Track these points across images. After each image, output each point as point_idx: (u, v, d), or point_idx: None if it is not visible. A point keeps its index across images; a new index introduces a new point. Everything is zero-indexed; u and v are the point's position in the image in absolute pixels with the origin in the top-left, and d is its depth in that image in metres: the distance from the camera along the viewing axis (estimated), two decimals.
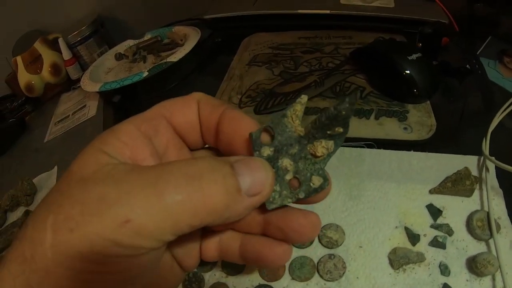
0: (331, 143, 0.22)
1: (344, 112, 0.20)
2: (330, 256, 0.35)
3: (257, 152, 0.22)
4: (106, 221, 0.17)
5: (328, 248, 0.36)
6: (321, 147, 0.21)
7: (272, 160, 0.22)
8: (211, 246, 0.26)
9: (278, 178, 0.22)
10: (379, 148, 0.43)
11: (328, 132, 0.21)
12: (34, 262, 0.17)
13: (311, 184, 0.21)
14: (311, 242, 0.37)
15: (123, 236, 0.17)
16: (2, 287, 0.18)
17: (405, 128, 0.44)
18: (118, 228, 0.17)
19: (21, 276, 0.17)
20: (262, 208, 0.22)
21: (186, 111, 0.23)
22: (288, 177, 0.22)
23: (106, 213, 0.17)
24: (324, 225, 0.37)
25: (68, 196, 0.18)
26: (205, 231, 0.26)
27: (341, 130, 0.21)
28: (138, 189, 0.18)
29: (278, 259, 0.23)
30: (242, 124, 0.22)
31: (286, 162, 0.21)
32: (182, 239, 0.24)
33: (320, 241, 0.37)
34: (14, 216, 0.51)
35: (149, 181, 0.18)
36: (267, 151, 0.22)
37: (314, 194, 0.22)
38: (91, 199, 0.18)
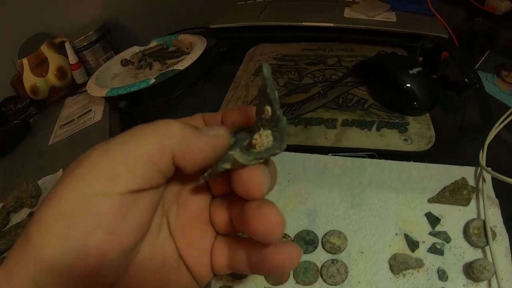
0: (267, 133, 0.23)
1: (260, 83, 0.23)
2: (333, 261, 0.36)
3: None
4: (89, 167, 0.21)
5: (331, 253, 0.37)
6: (259, 137, 0.24)
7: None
8: (223, 254, 0.26)
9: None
10: (380, 158, 0.44)
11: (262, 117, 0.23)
12: (34, 220, 0.20)
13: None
14: (315, 247, 0.38)
15: (102, 166, 0.20)
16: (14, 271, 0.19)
17: (405, 140, 0.46)
18: (99, 159, 0.21)
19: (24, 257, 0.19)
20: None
21: (193, 122, 0.27)
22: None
23: (92, 164, 0.21)
24: (328, 232, 0.38)
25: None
26: (217, 240, 0.27)
27: (269, 109, 0.23)
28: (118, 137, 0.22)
29: (286, 261, 0.23)
30: None
31: (235, 154, 0.23)
32: (192, 238, 0.26)
33: (323, 246, 0.38)
34: (18, 217, 0.51)
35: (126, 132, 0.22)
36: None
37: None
38: (83, 160, 0.21)
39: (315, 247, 0.38)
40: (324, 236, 0.38)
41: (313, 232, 0.39)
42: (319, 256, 0.37)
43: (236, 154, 0.23)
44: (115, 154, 0.21)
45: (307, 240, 0.38)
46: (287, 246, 0.23)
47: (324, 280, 0.36)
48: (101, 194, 0.20)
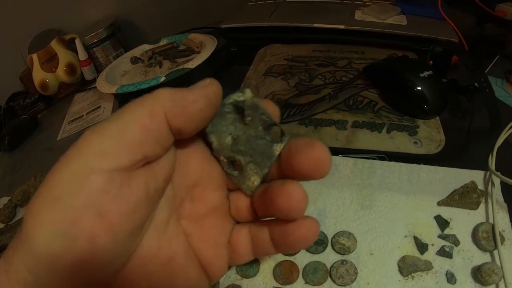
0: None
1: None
2: (343, 262, 0.36)
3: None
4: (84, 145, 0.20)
5: (341, 254, 0.38)
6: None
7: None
8: (244, 240, 0.27)
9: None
10: (390, 160, 0.44)
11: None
12: (29, 206, 0.19)
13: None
14: (324, 248, 0.38)
15: (93, 141, 0.20)
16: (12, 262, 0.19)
17: (415, 142, 0.46)
18: (90, 135, 0.20)
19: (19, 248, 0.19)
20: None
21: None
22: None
23: (85, 144, 0.20)
24: (337, 232, 0.39)
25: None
26: (236, 229, 0.27)
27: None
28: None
29: (307, 233, 0.24)
30: None
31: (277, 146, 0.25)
32: (207, 232, 0.26)
33: (333, 247, 0.38)
34: (24, 211, 0.51)
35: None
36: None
37: None
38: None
39: (325, 248, 0.38)
40: (333, 237, 0.38)
41: (322, 233, 0.39)
42: (329, 257, 0.38)
43: (278, 146, 0.25)
44: (105, 128, 0.20)
45: (316, 241, 0.38)
46: (307, 219, 0.24)
47: (333, 281, 0.36)
48: (90, 171, 0.19)
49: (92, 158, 0.19)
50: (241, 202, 0.27)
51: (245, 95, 0.25)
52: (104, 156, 0.19)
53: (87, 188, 0.19)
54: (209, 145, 0.26)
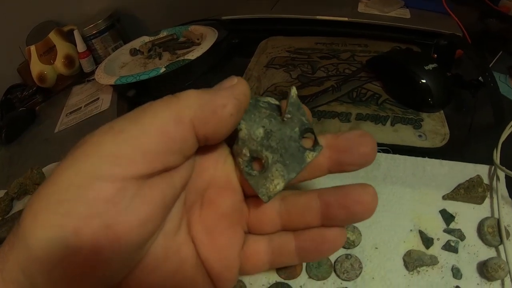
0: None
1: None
2: (347, 256, 0.36)
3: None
4: (100, 141, 0.19)
5: (345, 248, 0.37)
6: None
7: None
8: (261, 251, 0.26)
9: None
10: (394, 153, 0.44)
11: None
12: (27, 205, 0.18)
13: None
14: None
15: (115, 145, 0.18)
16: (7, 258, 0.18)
17: (419, 136, 0.46)
18: (112, 138, 0.19)
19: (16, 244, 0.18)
20: (317, 196, 0.24)
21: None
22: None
23: (101, 130, 0.19)
24: None
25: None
26: (251, 239, 0.26)
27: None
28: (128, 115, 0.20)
29: (337, 240, 0.24)
30: None
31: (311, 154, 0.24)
32: (219, 244, 0.24)
33: None
34: (21, 204, 0.51)
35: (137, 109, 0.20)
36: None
37: None
38: (89, 140, 0.19)
39: None
40: None
41: None
42: None
43: (311, 154, 0.23)
44: (122, 131, 0.18)
45: None
46: (335, 228, 0.24)
47: (338, 275, 0.35)
48: (101, 177, 0.17)
49: (103, 162, 0.18)
50: (263, 213, 0.26)
51: (292, 90, 0.24)
52: (117, 162, 0.18)
53: (95, 197, 0.17)
54: (230, 139, 0.24)
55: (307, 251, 0.25)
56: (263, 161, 0.23)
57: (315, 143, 0.24)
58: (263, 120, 0.24)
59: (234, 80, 0.22)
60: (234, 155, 0.25)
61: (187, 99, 0.20)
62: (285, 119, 0.24)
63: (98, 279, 0.18)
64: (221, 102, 0.20)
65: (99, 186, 0.17)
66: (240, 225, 0.26)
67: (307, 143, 0.25)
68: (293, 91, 0.24)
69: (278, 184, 0.23)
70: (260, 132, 0.23)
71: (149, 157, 0.18)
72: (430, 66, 0.48)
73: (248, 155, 0.24)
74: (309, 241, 0.25)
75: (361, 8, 0.68)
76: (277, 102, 0.25)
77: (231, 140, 0.25)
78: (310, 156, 0.24)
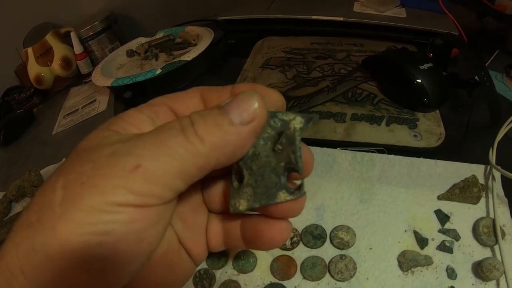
0: None
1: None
2: (341, 256, 0.36)
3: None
4: (117, 171, 0.18)
5: (339, 249, 0.37)
6: None
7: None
8: (217, 231, 0.26)
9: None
10: (389, 153, 0.44)
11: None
12: (41, 223, 0.17)
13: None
14: (323, 243, 0.38)
15: (134, 182, 0.18)
16: (5, 259, 0.17)
17: (415, 136, 0.45)
18: (129, 174, 0.18)
19: (24, 242, 0.17)
20: None
21: (187, 99, 0.24)
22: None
23: (116, 163, 0.18)
24: (336, 227, 0.38)
25: (77, 161, 0.19)
26: (210, 218, 0.27)
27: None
28: (144, 141, 0.19)
29: (276, 236, 0.24)
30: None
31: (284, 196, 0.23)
32: (188, 221, 0.25)
33: (331, 241, 0.37)
34: (19, 207, 0.51)
35: (152, 134, 0.20)
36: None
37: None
38: (101, 156, 0.18)
39: (323, 242, 0.38)
40: (332, 231, 0.38)
41: (321, 227, 0.38)
42: (327, 252, 0.37)
43: (284, 195, 0.22)
44: (146, 167, 0.18)
45: (315, 235, 0.38)
46: (279, 221, 0.24)
47: (332, 276, 0.35)
48: (130, 205, 0.18)
49: (133, 196, 0.18)
50: (216, 193, 0.26)
51: (291, 123, 0.22)
52: (145, 196, 0.18)
53: (128, 219, 0.18)
54: None
55: (249, 240, 0.25)
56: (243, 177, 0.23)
57: (299, 187, 0.23)
58: (260, 140, 0.22)
59: (255, 104, 0.20)
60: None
61: (209, 140, 0.19)
62: (275, 149, 0.22)
63: (111, 283, 0.19)
64: (241, 144, 0.21)
65: (129, 210, 0.18)
66: (202, 204, 0.27)
67: (293, 183, 0.24)
68: (293, 124, 0.22)
69: (241, 204, 0.23)
70: (250, 151, 0.22)
71: (170, 192, 0.19)
72: (426, 66, 0.48)
73: (236, 167, 0.23)
74: (250, 231, 0.24)
75: (357, 7, 0.68)
76: (290, 124, 0.23)
77: None
78: (282, 197, 0.22)
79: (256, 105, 0.20)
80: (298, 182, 0.23)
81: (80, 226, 0.17)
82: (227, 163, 0.21)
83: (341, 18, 0.65)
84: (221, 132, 0.20)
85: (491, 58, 0.59)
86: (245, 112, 0.20)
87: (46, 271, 0.17)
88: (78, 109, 0.70)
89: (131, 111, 0.23)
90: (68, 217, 0.17)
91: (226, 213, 0.26)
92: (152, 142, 0.19)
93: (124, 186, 0.17)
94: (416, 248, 0.36)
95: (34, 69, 0.76)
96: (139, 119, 0.22)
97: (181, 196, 0.23)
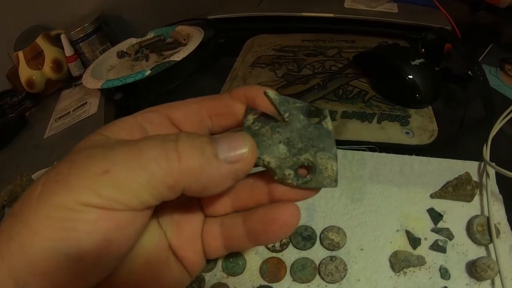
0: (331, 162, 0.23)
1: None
2: (332, 258, 0.35)
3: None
4: (88, 173, 0.18)
5: (330, 250, 0.36)
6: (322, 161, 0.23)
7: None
8: (215, 235, 0.25)
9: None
10: (381, 151, 0.43)
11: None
12: (20, 213, 0.18)
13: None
14: (313, 244, 0.37)
15: (101, 186, 0.18)
16: None
17: (407, 133, 0.45)
18: (97, 177, 0.18)
19: (7, 229, 0.18)
20: (266, 177, 0.24)
21: (185, 107, 0.24)
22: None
23: (89, 166, 0.18)
24: (326, 227, 0.37)
25: (62, 161, 0.20)
26: (206, 222, 0.26)
27: None
28: (122, 148, 0.19)
29: (289, 220, 0.23)
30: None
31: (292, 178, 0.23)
32: (181, 226, 0.25)
33: (321, 243, 0.37)
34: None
35: (131, 143, 0.19)
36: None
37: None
38: (80, 158, 0.19)
39: (313, 243, 0.37)
40: (322, 232, 0.37)
41: (311, 228, 0.38)
42: (317, 253, 0.36)
43: (292, 178, 0.22)
44: (114, 173, 0.18)
45: (304, 236, 0.37)
46: (287, 205, 0.23)
47: (322, 278, 0.35)
48: (95, 206, 0.18)
49: (102, 200, 0.18)
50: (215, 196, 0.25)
51: (269, 93, 0.23)
52: (115, 203, 0.18)
53: (94, 220, 0.18)
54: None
55: (257, 233, 0.24)
56: (305, 164, 0.23)
57: (318, 110, 0.24)
58: (274, 137, 0.22)
59: (244, 150, 0.20)
60: (280, 183, 0.24)
61: (186, 160, 0.19)
62: (286, 120, 0.23)
63: (90, 281, 0.19)
64: (217, 180, 0.20)
65: (96, 214, 0.18)
66: (197, 208, 0.26)
67: (316, 116, 0.24)
68: (271, 93, 0.23)
69: (333, 165, 0.23)
70: (282, 148, 0.22)
71: (142, 203, 0.19)
72: (417, 61, 0.47)
73: (292, 172, 0.23)
74: (257, 222, 0.23)
75: (347, 3, 0.68)
76: (256, 114, 0.24)
77: None
78: (328, 123, 0.23)
79: (245, 150, 0.20)
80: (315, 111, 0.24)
81: (48, 219, 0.18)
82: (195, 194, 0.20)
83: (332, 15, 0.65)
84: (202, 158, 0.19)
85: (485, 52, 0.59)
86: (233, 152, 0.20)
87: (19, 258, 0.18)
88: (69, 112, 0.70)
89: (125, 117, 0.23)
90: (39, 210, 0.18)
91: (227, 213, 0.26)
92: (129, 150, 0.19)
93: (91, 187, 0.18)
94: (409, 248, 0.36)
95: (25, 72, 0.76)
96: (130, 125, 0.22)
97: (174, 200, 0.22)
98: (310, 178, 0.23)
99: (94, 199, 0.18)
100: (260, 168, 0.23)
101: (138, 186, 0.18)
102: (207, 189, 0.20)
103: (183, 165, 0.19)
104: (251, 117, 0.23)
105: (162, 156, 0.19)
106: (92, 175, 0.18)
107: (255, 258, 0.37)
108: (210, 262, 0.37)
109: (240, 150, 0.20)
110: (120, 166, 0.18)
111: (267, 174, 0.24)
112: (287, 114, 0.23)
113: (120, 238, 0.19)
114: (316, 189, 0.24)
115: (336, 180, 0.23)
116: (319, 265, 0.35)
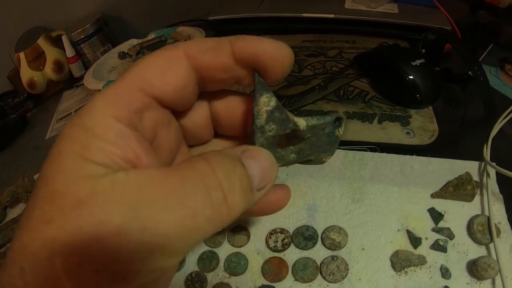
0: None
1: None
2: (333, 257, 0.35)
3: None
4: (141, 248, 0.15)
5: (331, 250, 0.36)
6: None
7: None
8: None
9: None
10: (382, 152, 0.43)
11: None
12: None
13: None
14: (314, 244, 0.37)
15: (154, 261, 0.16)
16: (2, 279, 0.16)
17: (407, 133, 0.45)
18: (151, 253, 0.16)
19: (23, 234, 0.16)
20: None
21: (169, 75, 0.19)
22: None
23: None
24: (327, 227, 0.38)
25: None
26: None
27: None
28: (164, 211, 0.16)
29: (279, 200, 0.24)
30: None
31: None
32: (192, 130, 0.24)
33: (323, 242, 0.37)
34: (14, 212, 0.50)
35: (174, 198, 0.16)
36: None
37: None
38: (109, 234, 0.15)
39: (315, 243, 0.37)
40: (323, 232, 0.37)
41: (312, 228, 0.38)
42: (319, 253, 0.37)
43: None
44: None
45: (306, 236, 0.37)
46: (281, 186, 0.24)
47: (324, 277, 0.35)
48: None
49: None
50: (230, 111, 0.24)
51: (301, 122, 0.21)
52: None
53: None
54: None
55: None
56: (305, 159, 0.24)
57: (338, 119, 0.23)
58: (287, 148, 0.23)
59: (275, 173, 0.20)
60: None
61: (237, 210, 0.18)
62: (305, 138, 0.22)
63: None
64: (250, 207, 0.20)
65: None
66: (210, 125, 0.25)
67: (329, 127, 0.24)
68: (302, 124, 0.22)
69: (326, 158, 0.24)
70: (293, 157, 0.23)
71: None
72: (418, 62, 0.47)
73: (295, 155, 0.23)
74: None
75: (348, 4, 0.68)
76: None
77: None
78: (340, 132, 0.24)
79: (274, 174, 0.20)
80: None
81: None
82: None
83: (333, 15, 0.64)
84: (247, 201, 0.19)
85: (485, 52, 0.59)
86: (265, 181, 0.20)
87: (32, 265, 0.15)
88: (71, 113, 0.70)
89: (102, 117, 0.17)
90: None
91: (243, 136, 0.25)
92: (176, 215, 0.16)
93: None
94: (409, 248, 0.36)
95: (26, 73, 0.75)
96: (117, 133, 0.17)
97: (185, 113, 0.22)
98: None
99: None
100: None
101: (188, 245, 0.17)
102: (244, 215, 0.20)
103: (233, 215, 0.18)
104: (263, 109, 0.20)
105: (215, 215, 0.17)
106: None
107: (257, 258, 0.37)
108: (213, 262, 0.37)
109: (268, 179, 0.20)
110: (174, 238, 0.16)
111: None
112: (308, 135, 0.22)
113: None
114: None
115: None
116: (320, 264, 0.35)
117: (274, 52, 0.20)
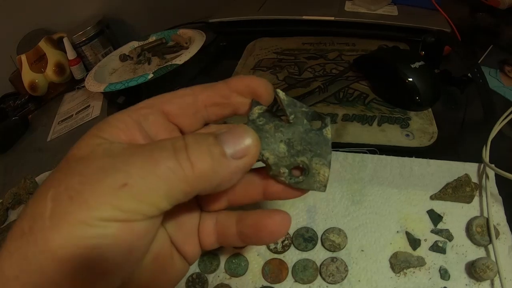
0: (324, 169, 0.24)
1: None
2: (333, 259, 0.36)
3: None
4: (104, 187, 0.18)
5: (331, 251, 0.37)
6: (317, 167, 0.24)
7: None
8: (209, 230, 0.26)
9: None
10: (381, 154, 0.43)
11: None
12: (33, 233, 0.18)
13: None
14: (314, 245, 0.37)
15: (120, 199, 0.18)
16: (0, 266, 0.18)
17: (407, 135, 0.45)
18: (116, 192, 0.18)
19: (18, 251, 0.18)
20: (263, 174, 0.25)
21: (178, 100, 0.24)
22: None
23: (104, 180, 0.18)
24: (327, 229, 0.38)
25: (67, 172, 0.19)
26: (202, 217, 0.27)
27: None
28: (134, 159, 0.19)
29: (278, 227, 0.24)
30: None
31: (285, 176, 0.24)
32: (180, 222, 0.25)
33: (322, 244, 0.37)
34: (16, 214, 0.51)
35: (144, 153, 0.19)
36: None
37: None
38: (90, 170, 0.19)
39: (314, 245, 0.37)
40: (323, 234, 0.38)
41: (312, 229, 0.38)
42: (319, 254, 0.37)
43: (285, 176, 0.24)
44: (133, 185, 0.18)
45: (306, 237, 0.38)
46: (279, 212, 0.24)
47: (323, 279, 0.35)
48: (116, 220, 0.18)
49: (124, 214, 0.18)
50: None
51: (279, 93, 0.24)
52: (136, 212, 0.19)
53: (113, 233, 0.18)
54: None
55: (248, 236, 0.25)
56: (300, 165, 0.24)
57: (322, 119, 0.25)
58: (276, 135, 0.24)
59: (248, 140, 0.21)
60: (273, 178, 0.25)
61: (200, 167, 0.19)
62: (291, 121, 0.24)
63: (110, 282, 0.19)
64: (228, 177, 0.21)
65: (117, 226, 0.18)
66: (194, 202, 0.27)
67: (318, 122, 0.25)
68: (281, 94, 0.24)
69: (325, 172, 0.24)
70: (282, 147, 0.23)
71: (154, 209, 0.19)
72: (417, 64, 0.47)
73: (287, 170, 0.24)
74: (249, 227, 0.25)
75: (348, 6, 0.68)
76: (262, 109, 0.24)
77: None
78: (328, 132, 0.24)
79: (249, 141, 0.21)
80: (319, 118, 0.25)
81: (69, 239, 0.17)
82: (211, 192, 0.21)
83: (332, 18, 0.65)
84: (212, 161, 0.20)
85: (485, 54, 0.59)
86: (238, 146, 0.21)
87: (38, 279, 0.17)
88: (72, 115, 0.70)
89: (119, 114, 0.22)
90: (58, 230, 0.17)
91: (221, 210, 0.26)
92: (142, 161, 0.19)
93: (111, 202, 0.18)
94: (409, 249, 0.36)
95: (28, 76, 0.76)
96: (126, 124, 0.22)
97: None
98: (302, 180, 0.24)
99: (115, 213, 0.18)
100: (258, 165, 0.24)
101: (157, 195, 0.19)
102: (219, 187, 0.21)
103: (197, 172, 0.19)
104: (256, 111, 0.24)
105: (176, 167, 0.19)
106: (109, 189, 0.18)
107: (257, 259, 0.37)
108: (213, 263, 0.37)
109: (244, 143, 0.21)
110: (136, 178, 0.18)
111: (262, 172, 0.25)
112: (292, 116, 0.24)
113: (140, 246, 0.20)
114: (305, 191, 0.25)
115: (325, 186, 0.24)
116: (320, 266, 0.36)
117: (262, 82, 0.24)
